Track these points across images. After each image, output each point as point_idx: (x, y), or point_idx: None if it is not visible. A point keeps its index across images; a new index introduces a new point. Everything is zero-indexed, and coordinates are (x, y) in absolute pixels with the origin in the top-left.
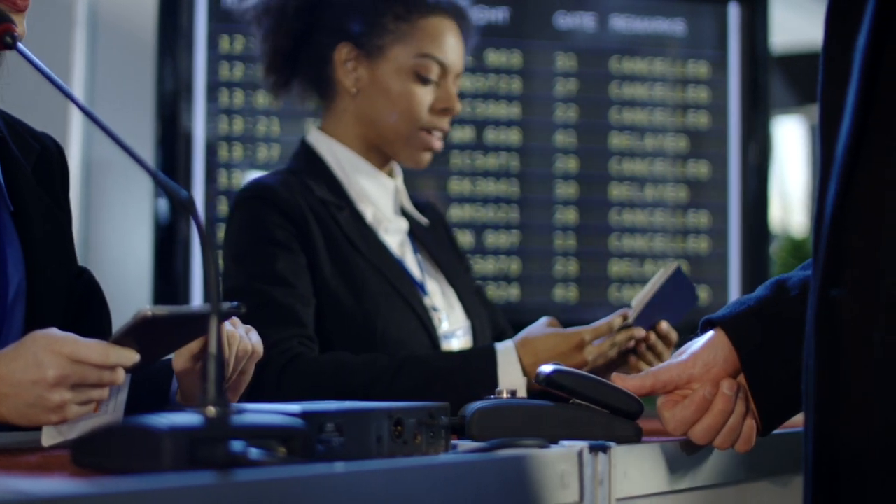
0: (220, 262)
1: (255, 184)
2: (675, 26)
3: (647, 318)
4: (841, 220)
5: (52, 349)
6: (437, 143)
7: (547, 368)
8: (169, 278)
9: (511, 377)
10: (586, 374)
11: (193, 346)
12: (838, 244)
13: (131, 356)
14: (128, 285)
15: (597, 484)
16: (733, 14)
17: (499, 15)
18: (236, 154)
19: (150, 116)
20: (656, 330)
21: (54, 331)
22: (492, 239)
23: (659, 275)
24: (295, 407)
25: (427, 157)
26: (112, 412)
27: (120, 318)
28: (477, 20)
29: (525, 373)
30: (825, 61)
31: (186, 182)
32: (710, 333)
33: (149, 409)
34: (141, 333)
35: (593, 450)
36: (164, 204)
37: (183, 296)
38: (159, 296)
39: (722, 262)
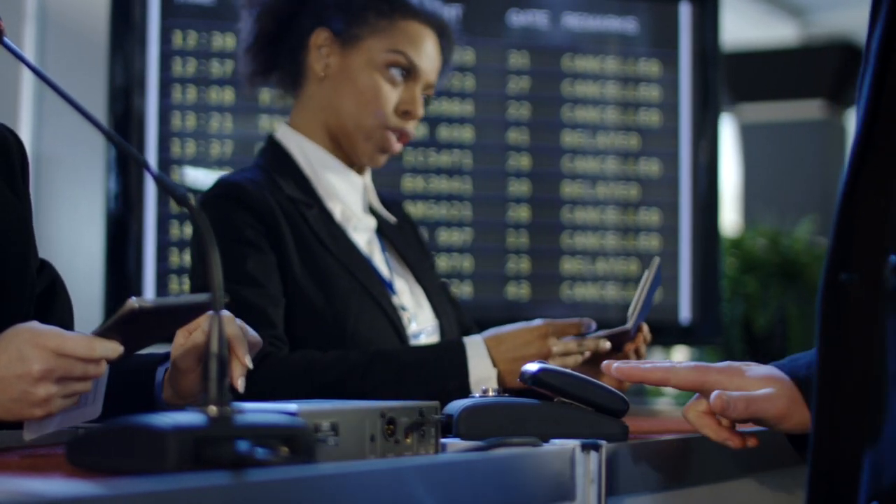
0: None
1: (224, 182)
2: (626, 24)
3: (639, 319)
4: (850, 204)
5: (37, 343)
6: (396, 146)
7: (533, 367)
8: (120, 275)
9: (481, 369)
10: (572, 372)
11: (199, 341)
12: (847, 228)
13: (116, 348)
14: (79, 282)
15: (589, 482)
16: (684, 13)
17: (451, 12)
18: (189, 150)
19: (102, 112)
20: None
21: (36, 324)
22: (444, 236)
23: (645, 276)
24: (292, 406)
25: (382, 158)
26: (91, 404)
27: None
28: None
29: (494, 364)
30: (864, 56)
31: (139, 178)
32: (788, 382)
33: (132, 405)
34: (126, 325)
35: (585, 448)
36: (114, 200)
37: (135, 293)
38: (111, 293)
39: (673, 260)
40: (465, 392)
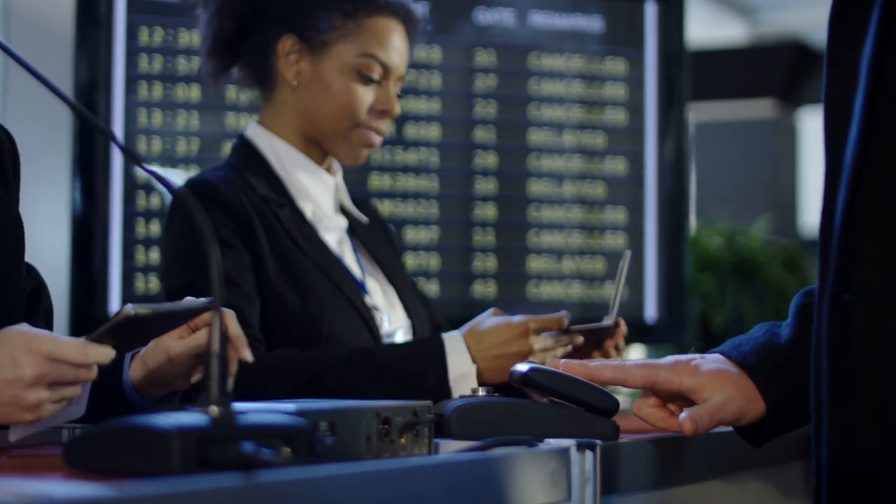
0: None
1: (196, 181)
2: (592, 23)
3: (616, 313)
4: (851, 224)
5: (29, 347)
6: (376, 139)
7: (523, 367)
8: (86, 273)
9: (460, 365)
10: (562, 372)
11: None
12: (849, 249)
13: (108, 353)
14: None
15: (584, 481)
16: (650, 12)
17: (419, 9)
18: (155, 148)
19: (67, 109)
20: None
21: (27, 327)
22: (411, 234)
23: (620, 270)
24: (290, 405)
25: (365, 153)
26: (75, 404)
27: None
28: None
29: (474, 360)
30: (829, 64)
31: (105, 176)
32: (737, 373)
33: (103, 397)
34: (120, 332)
35: (581, 447)
36: (80, 198)
37: (101, 291)
38: (76, 291)
39: (638, 258)
40: (443, 388)
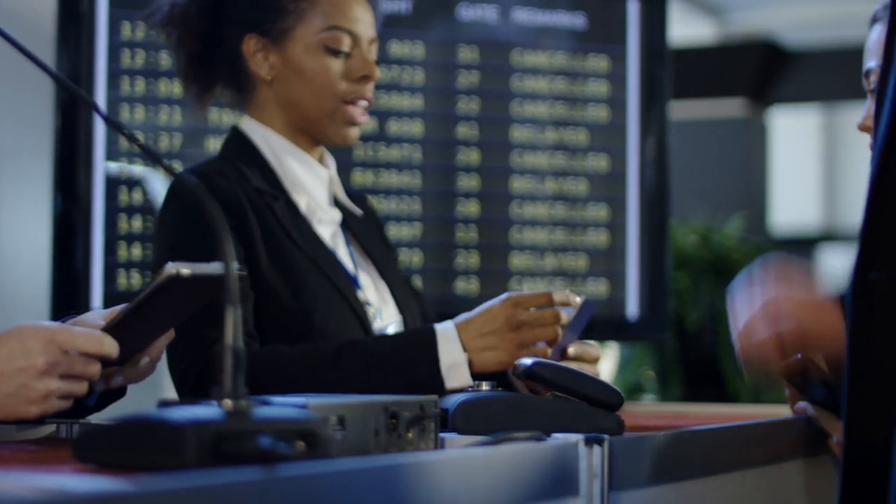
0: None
1: (190, 172)
2: (575, 20)
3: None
4: (879, 201)
5: (44, 337)
6: (361, 117)
7: (527, 361)
8: (68, 270)
9: (451, 354)
10: (566, 366)
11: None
12: (876, 226)
13: (117, 347)
14: (24, 277)
15: (592, 476)
16: (632, 9)
17: (401, 6)
18: None
19: (49, 105)
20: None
21: (41, 321)
22: (394, 231)
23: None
24: (299, 399)
25: (354, 132)
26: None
27: (15, 310)
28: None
29: (464, 348)
30: (887, 47)
31: (87, 171)
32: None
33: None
34: (160, 296)
35: (588, 442)
36: (61, 194)
37: (82, 288)
38: (58, 288)
39: (620, 255)
40: (436, 378)
